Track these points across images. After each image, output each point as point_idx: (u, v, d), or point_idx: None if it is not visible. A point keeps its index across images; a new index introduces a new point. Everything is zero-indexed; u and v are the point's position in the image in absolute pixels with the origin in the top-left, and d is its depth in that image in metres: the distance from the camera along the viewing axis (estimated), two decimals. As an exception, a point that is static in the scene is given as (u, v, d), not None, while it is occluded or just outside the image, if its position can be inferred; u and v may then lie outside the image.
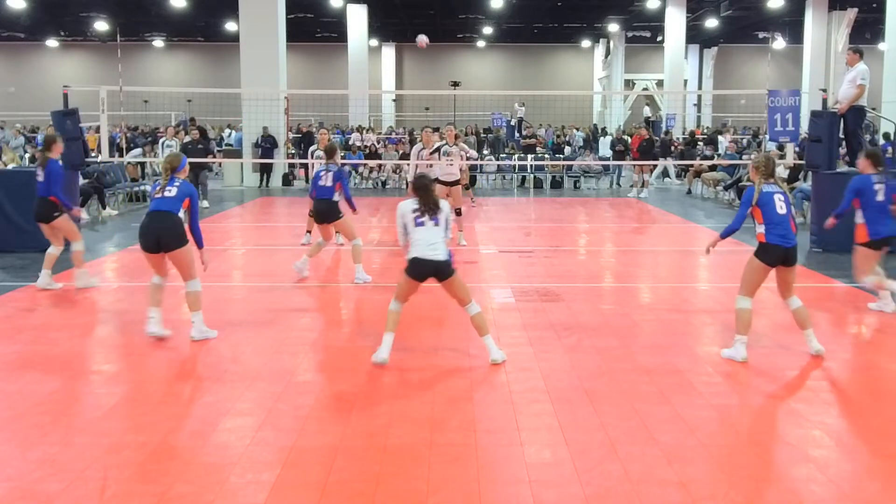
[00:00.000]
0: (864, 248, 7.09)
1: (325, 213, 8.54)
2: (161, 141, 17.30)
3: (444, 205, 5.80)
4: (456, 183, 10.71)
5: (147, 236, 6.21)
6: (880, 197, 7.08)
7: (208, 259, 6.63)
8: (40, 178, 7.94)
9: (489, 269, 9.34)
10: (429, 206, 5.66)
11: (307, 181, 21.33)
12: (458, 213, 10.50)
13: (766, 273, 5.98)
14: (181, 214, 6.27)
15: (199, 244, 6.42)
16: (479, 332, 5.71)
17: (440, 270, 5.61)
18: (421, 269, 5.63)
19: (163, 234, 6.17)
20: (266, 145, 19.64)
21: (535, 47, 41.48)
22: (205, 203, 15.84)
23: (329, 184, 8.54)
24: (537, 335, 6.43)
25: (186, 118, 26.17)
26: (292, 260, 10.17)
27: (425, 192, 5.73)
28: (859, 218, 7.11)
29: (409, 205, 5.71)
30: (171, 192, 6.25)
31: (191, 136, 17.45)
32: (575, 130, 26.57)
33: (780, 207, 6.08)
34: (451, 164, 10.59)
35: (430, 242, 5.58)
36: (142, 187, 16.93)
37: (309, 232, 11.05)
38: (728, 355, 5.82)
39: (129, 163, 16.89)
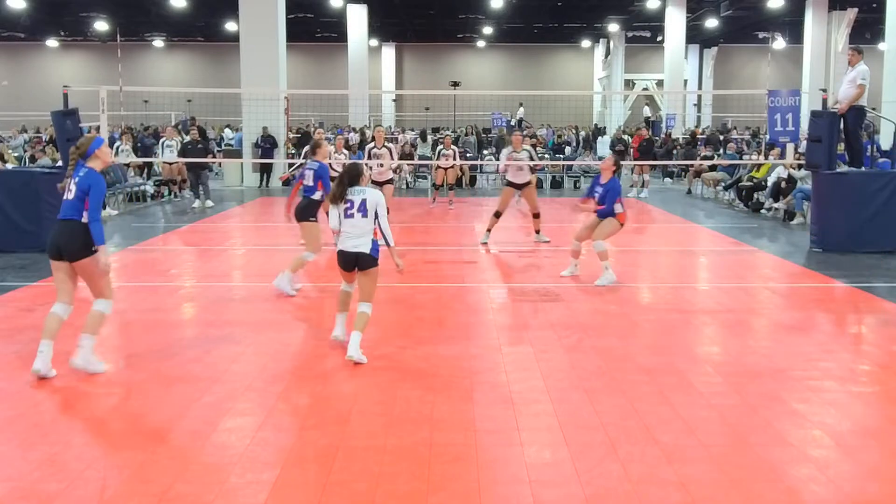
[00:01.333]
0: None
1: (300, 210, 8.05)
2: (161, 141, 17.29)
3: (373, 194, 5.88)
4: (388, 182, 11.38)
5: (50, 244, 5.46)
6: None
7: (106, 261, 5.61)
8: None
9: (489, 269, 9.34)
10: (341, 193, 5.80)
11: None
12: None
13: None
14: (85, 217, 5.46)
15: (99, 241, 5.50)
16: (353, 326, 5.80)
17: (361, 261, 5.79)
18: (345, 259, 5.85)
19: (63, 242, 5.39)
20: (266, 145, 19.64)
21: (535, 47, 41.49)
22: (209, 203, 15.83)
23: (310, 182, 8.01)
24: (537, 335, 6.43)
25: (187, 118, 26.17)
26: (292, 260, 10.18)
27: (355, 180, 5.89)
28: None
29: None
30: (72, 192, 5.45)
31: (191, 136, 17.44)
32: (573, 132, 26.59)
33: None
34: (381, 166, 10.96)
35: (354, 234, 5.75)
36: (142, 187, 16.94)
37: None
38: None
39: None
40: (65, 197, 5.49)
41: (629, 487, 3.76)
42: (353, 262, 5.81)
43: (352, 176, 5.90)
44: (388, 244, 5.91)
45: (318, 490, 3.74)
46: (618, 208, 8.43)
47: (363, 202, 5.79)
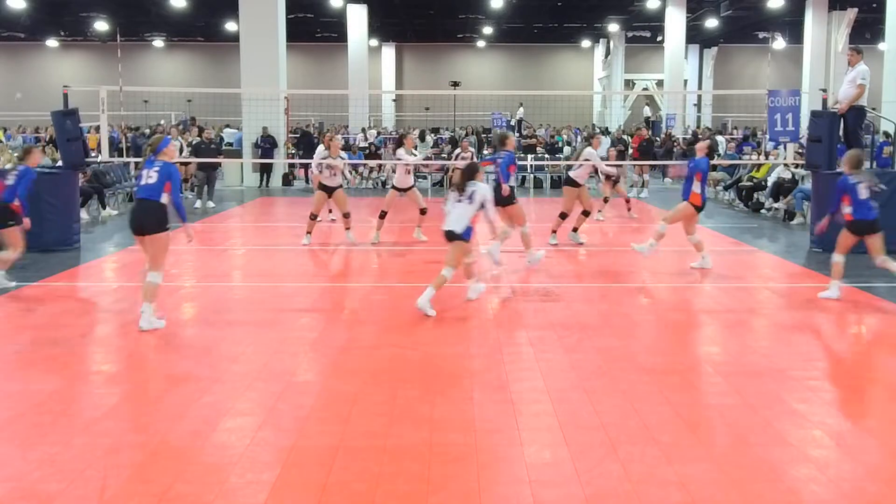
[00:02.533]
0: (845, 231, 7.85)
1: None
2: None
3: (482, 189, 7.21)
4: (338, 187, 11.02)
5: (131, 222, 6.66)
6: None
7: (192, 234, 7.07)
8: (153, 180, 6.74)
9: (489, 269, 9.34)
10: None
11: (307, 181, 21.36)
12: (346, 216, 11.15)
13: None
14: (164, 199, 6.51)
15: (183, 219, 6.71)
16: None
17: (453, 237, 7.19)
18: (446, 235, 7.22)
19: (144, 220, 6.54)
20: (266, 145, 19.64)
21: (535, 47, 41.47)
22: (210, 203, 15.84)
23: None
24: (537, 335, 6.43)
25: (187, 118, 26.16)
26: (292, 260, 10.20)
27: (473, 175, 7.38)
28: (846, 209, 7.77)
29: None
30: (152, 177, 6.54)
31: (204, 136, 17.45)
32: (573, 132, 26.57)
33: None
34: (335, 175, 10.96)
35: (455, 217, 7.21)
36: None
37: (309, 233, 11.06)
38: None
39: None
40: (143, 182, 6.59)
41: (629, 487, 3.76)
42: (449, 238, 7.14)
43: (471, 172, 7.32)
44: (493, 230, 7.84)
45: (318, 490, 3.74)
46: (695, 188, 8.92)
47: (473, 193, 7.16)
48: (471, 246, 7.35)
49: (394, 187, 11.38)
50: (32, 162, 8.60)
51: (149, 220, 6.49)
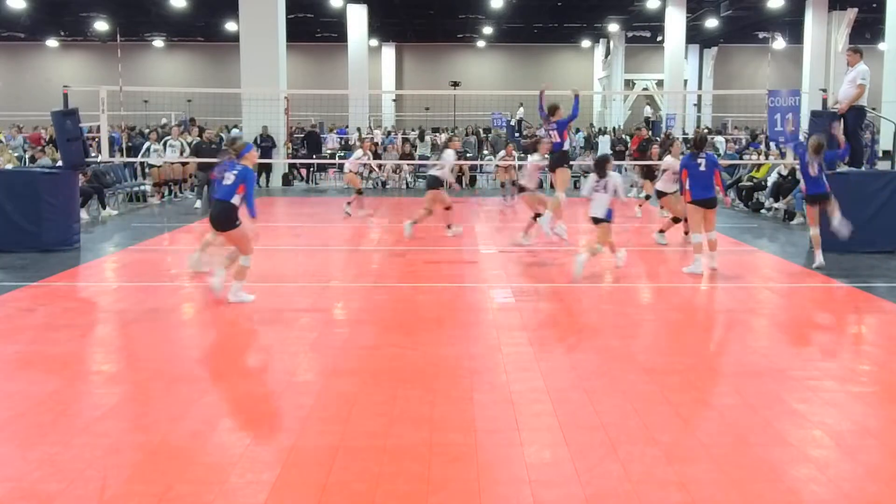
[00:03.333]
0: (690, 206, 9.09)
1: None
2: (165, 140, 17.30)
3: (614, 178, 8.68)
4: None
5: (209, 218, 7.58)
6: (703, 169, 8.98)
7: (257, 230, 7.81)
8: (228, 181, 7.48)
9: (489, 269, 9.34)
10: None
11: (307, 181, 21.35)
12: (359, 192, 14.43)
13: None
14: (236, 200, 7.27)
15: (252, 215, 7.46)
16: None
17: (598, 221, 8.77)
18: (592, 219, 8.85)
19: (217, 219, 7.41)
20: (265, 145, 19.64)
21: (535, 47, 41.47)
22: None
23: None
24: (537, 335, 6.43)
25: (187, 118, 26.17)
26: (292, 260, 10.21)
27: (604, 166, 8.74)
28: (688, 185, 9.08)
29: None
30: (229, 179, 7.33)
31: (205, 136, 17.47)
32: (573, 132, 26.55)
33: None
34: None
35: (597, 203, 8.70)
36: (141, 187, 16.94)
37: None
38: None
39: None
40: (223, 182, 7.36)
41: (629, 487, 3.76)
42: (595, 221, 8.65)
43: (602, 163, 8.83)
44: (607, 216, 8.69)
45: (318, 490, 3.74)
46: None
47: (607, 182, 8.59)
48: (611, 226, 8.79)
49: (521, 188, 11.24)
50: (249, 161, 7.98)
51: (222, 218, 7.34)
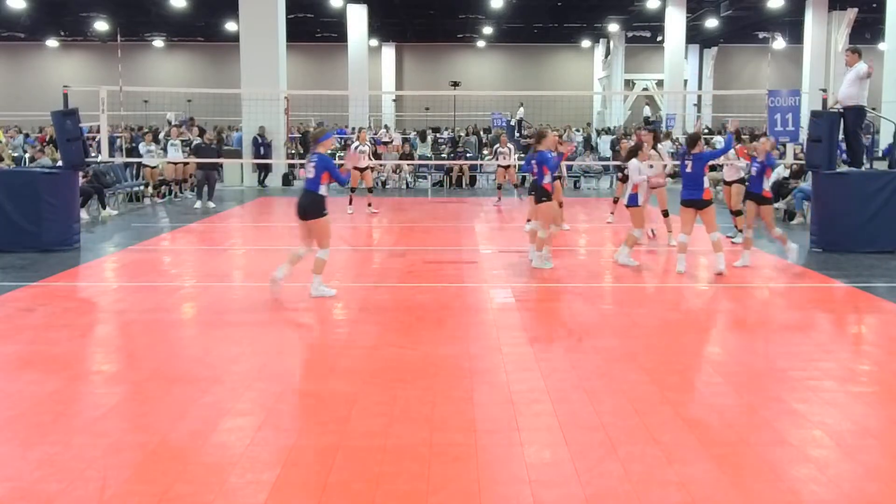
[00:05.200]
0: (681, 206, 9.07)
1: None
2: (166, 140, 17.31)
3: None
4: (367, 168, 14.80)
5: (296, 207, 7.73)
6: (689, 169, 8.95)
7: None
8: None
9: (489, 269, 9.34)
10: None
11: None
12: (370, 190, 15.15)
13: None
14: (323, 190, 7.53)
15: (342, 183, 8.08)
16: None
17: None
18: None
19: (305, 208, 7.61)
20: (262, 143, 19.62)
21: (535, 47, 41.46)
22: (210, 204, 15.84)
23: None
24: (537, 335, 6.43)
25: (186, 118, 26.16)
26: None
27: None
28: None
29: None
30: (311, 172, 7.57)
31: (205, 137, 17.49)
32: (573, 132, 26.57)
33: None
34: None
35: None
36: (141, 188, 16.93)
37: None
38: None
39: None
40: (306, 176, 7.67)
41: (629, 487, 3.76)
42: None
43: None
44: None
45: (318, 490, 3.74)
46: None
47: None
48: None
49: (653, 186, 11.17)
50: (547, 145, 9.23)
51: (309, 209, 7.54)
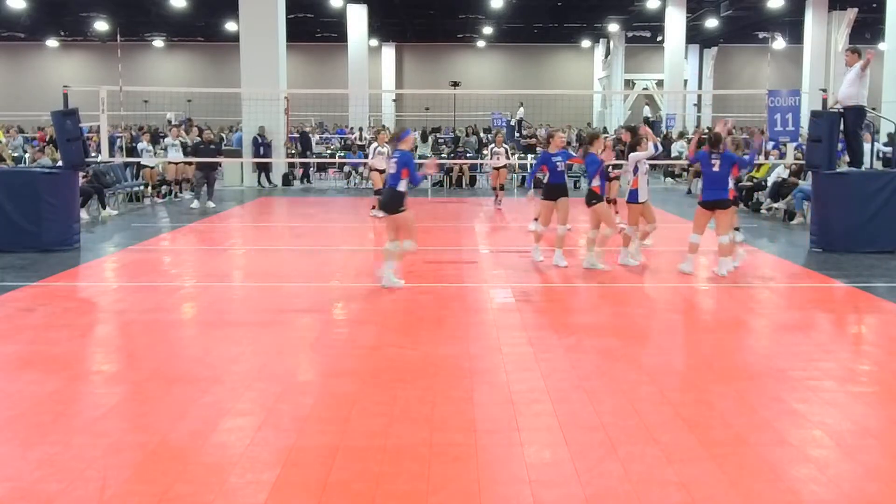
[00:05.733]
0: (698, 208, 8.94)
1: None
2: (165, 140, 17.31)
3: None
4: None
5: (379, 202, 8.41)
6: (716, 168, 8.72)
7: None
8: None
9: (489, 269, 9.35)
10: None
11: (301, 180, 21.34)
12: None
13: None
14: (402, 186, 7.87)
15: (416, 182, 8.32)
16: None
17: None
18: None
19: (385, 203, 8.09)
20: (262, 143, 19.61)
21: (535, 47, 41.46)
22: (210, 203, 15.84)
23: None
24: (537, 335, 6.43)
25: (185, 118, 26.16)
26: (292, 260, 10.21)
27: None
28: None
29: None
30: (392, 168, 7.99)
31: (203, 136, 17.47)
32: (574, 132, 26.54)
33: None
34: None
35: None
36: (140, 188, 16.93)
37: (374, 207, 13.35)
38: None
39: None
40: (389, 172, 8.13)
41: (629, 487, 3.76)
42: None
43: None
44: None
45: (318, 490, 3.74)
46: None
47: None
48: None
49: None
50: (597, 149, 9.19)
51: (390, 204, 7.97)
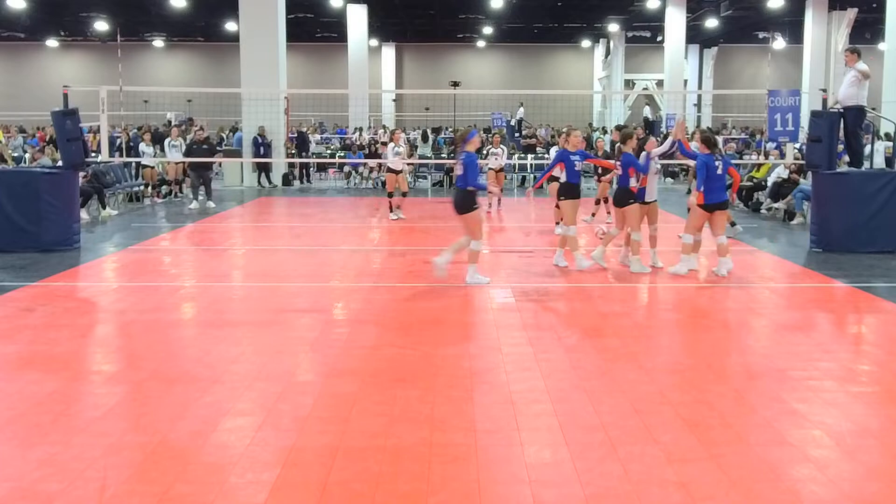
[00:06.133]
0: (699, 209, 8.83)
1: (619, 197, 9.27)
2: (166, 141, 17.34)
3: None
4: (400, 171, 13.98)
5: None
6: (720, 171, 8.78)
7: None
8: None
9: (489, 269, 9.34)
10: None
11: (300, 180, 21.34)
12: (404, 195, 14.05)
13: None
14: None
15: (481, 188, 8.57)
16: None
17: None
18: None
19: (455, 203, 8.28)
20: (262, 143, 19.62)
21: (535, 47, 41.46)
22: (210, 203, 15.83)
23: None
24: (537, 335, 6.43)
25: (185, 118, 26.16)
26: (292, 260, 10.21)
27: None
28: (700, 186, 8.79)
29: None
30: (459, 169, 8.12)
31: (196, 136, 17.46)
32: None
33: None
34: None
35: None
36: (140, 188, 16.93)
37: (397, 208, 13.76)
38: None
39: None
40: (457, 174, 8.24)
41: (629, 487, 3.76)
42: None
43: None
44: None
45: (318, 490, 3.74)
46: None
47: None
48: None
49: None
50: (629, 147, 9.18)
51: (458, 204, 8.13)
